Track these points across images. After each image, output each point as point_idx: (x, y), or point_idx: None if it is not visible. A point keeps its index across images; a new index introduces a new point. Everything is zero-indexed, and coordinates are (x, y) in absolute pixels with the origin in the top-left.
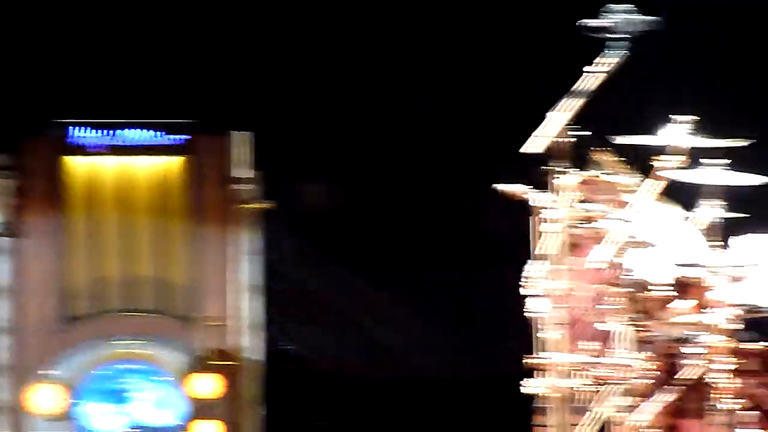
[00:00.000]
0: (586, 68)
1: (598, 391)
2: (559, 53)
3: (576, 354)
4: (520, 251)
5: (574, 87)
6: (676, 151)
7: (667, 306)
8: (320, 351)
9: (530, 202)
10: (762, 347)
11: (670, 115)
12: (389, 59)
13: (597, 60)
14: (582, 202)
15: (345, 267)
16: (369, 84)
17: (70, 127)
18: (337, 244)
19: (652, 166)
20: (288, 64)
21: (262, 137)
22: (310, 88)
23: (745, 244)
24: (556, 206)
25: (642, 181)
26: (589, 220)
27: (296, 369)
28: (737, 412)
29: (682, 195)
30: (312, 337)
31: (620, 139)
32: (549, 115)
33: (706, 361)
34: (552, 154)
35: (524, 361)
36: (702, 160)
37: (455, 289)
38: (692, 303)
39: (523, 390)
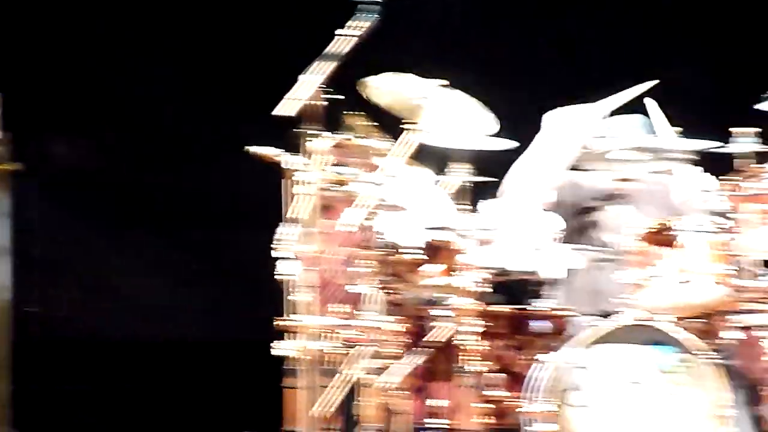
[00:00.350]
0: (338, 31)
1: (348, 353)
2: (312, 16)
3: (326, 316)
4: (272, 214)
5: (327, 50)
6: (428, 115)
7: (417, 269)
8: (71, 314)
9: (282, 165)
10: (509, 310)
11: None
12: (138, 18)
13: (349, 23)
14: (334, 165)
15: (97, 229)
16: (120, 43)
17: None
18: (88, 206)
19: (403, 129)
20: (35, 23)
21: (11, 97)
22: (59, 47)
23: (493, 208)
24: (307, 169)
25: (393, 145)
26: (341, 183)
27: (45, 333)
28: (485, 374)
29: (432, 159)
30: (63, 301)
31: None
32: (301, 77)
33: (455, 324)
34: (304, 116)
35: (275, 323)
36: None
37: (208, 251)
38: (441, 266)
39: (273, 352)
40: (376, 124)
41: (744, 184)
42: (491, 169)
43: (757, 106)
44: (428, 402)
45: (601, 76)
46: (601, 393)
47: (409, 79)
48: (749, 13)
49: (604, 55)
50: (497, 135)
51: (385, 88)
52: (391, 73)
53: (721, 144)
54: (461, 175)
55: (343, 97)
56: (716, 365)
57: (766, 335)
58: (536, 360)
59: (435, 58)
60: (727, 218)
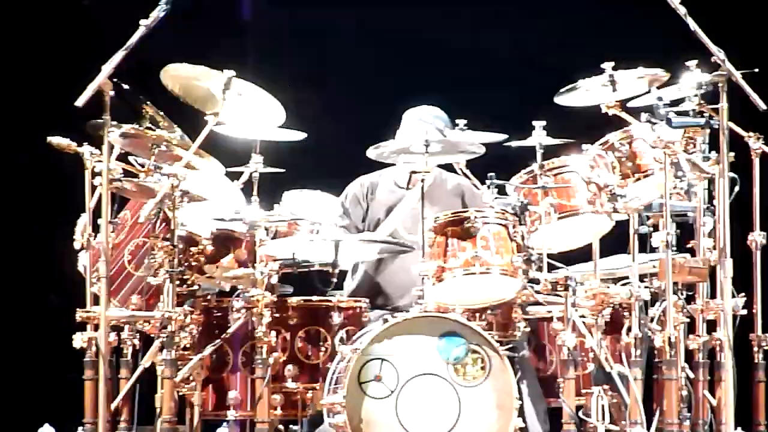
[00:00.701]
0: (141, 21)
1: (144, 344)
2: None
3: (123, 308)
4: (72, 205)
5: (129, 41)
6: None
7: (212, 260)
8: None
9: (81, 156)
10: (303, 301)
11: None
12: None
13: (152, 14)
14: (129, 155)
15: None
16: None
17: None
18: None
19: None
20: None
21: None
22: None
23: (290, 199)
24: (103, 159)
25: (186, 135)
26: (136, 174)
27: None
28: (279, 365)
29: (224, 149)
30: None
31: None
32: (103, 67)
33: (249, 315)
34: (102, 107)
35: (77, 315)
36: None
37: (5, 242)
38: (236, 257)
39: (74, 344)
40: (162, 114)
41: (541, 178)
42: (282, 159)
43: (556, 100)
44: (224, 393)
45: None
46: (394, 384)
47: (203, 69)
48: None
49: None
50: (286, 125)
51: (179, 78)
52: (186, 64)
53: (505, 138)
54: (252, 166)
55: (128, 86)
56: (506, 357)
57: (559, 328)
58: (332, 351)
59: (228, 49)
60: (523, 211)
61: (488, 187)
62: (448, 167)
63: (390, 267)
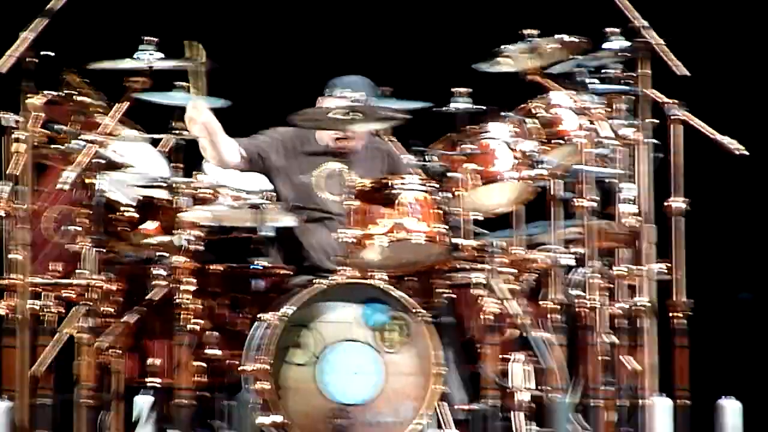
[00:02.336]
0: None
1: (64, 312)
2: None
3: (43, 275)
4: None
5: (48, 6)
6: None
7: (134, 227)
8: None
9: (2, 123)
10: (225, 268)
11: (142, 37)
12: None
13: None
14: (50, 122)
15: None
16: None
17: None
18: None
19: (124, 87)
20: None
21: None
22: None
23: (210, 166)
24: (22, 126)
25: (109, 102)
26: (57, 141)
27: None
28: (202, 332)
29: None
30: None
31: (94, 65)
32: (22, 34)
33: (171, 282)
34: (22, 73)
35: None
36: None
37: None
38: (158, 224)
39: None
40: (86, 81)
41: (463, 145)
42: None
43: (478, 67)
44: (145, 361)
45: None
46: (319, 350)
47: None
48: None
49: None
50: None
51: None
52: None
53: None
54: (176, 133)
55: (53, 53)
56: (428, 323)
57: (482, 293)
58: (254, 318)
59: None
60: (445, 177)
61: (411, 153)
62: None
63: (313, 232)
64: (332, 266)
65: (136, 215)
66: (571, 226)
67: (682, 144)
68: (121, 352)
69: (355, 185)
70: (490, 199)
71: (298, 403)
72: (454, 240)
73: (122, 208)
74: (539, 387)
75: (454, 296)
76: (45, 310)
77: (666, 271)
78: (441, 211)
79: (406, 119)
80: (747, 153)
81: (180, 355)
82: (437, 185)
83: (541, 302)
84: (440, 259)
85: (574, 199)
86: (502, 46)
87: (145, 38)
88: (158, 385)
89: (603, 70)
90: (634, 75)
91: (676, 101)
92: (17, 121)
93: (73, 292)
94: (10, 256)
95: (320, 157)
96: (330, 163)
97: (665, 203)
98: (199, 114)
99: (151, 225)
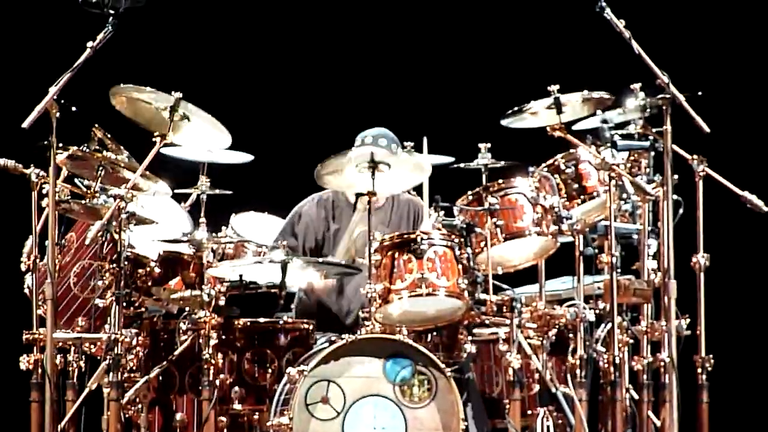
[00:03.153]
0: (89, 43)
1: (90, 367)
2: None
3: (70, 330)
4: (18, 227)
5: (75, 62)
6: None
7: (159, 282)
8: None
9: (28, 177)
10: (246, 323)
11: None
12: None
13: (98, 35)
14: (74, 177)
15: None
16: None
17: None
18: None
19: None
20: None
21: None
22: None
23: (237, 221)
24: (49, 181)
25: (132, 157)
26: (83, 196)
27: None
28: (226, 387)
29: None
30: None
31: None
32: (50, 89)
33: (195, 336)
34: (50, 128)
35: (23, 336)
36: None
37: None
38: (181, 279)
39: (20, 366)
40: (110, 135)
41: (489, 199)
42: (227, 181)
43: (502, 122)
44: (170, 415)
45: None
46: (341, 405)
47: (149, 90)
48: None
49: None
50: (232, 148)
51: (127, 98)
52: (132, 85)
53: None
54: (199, 187)
55: (75, 108)
56: (451, 378)
57: (504, 349)
58: (279, 373)
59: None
60: (469, 232)
61: (434, 209)
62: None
63: (339, 288)
64: (357, 321)
65: (162, 270)
66: (595, 282)
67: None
68: (146, 406)
69: (379, 240)
70: (513, 254)
71: None
72: (477, 295)
73: (148, 263)
74: None
75: (477, 351)
76: (71, 364)
77: (688, 326)
78: (464, 266)
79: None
80: (767, 209)
81: (205, 409)
82: (461, 240)
83: (564, 357)
84: (463, 313)
85: (598, 255)
86: (527, 102)
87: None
88: None
89: (627, 126)
90: (658, 131)
91: (699, 157)
92: (42, 176)
93: (98, 346)
94: (36, 311)
95: (349, 216)
96: (359, 226)
97: (691, 259)
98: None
99: (176, 280)
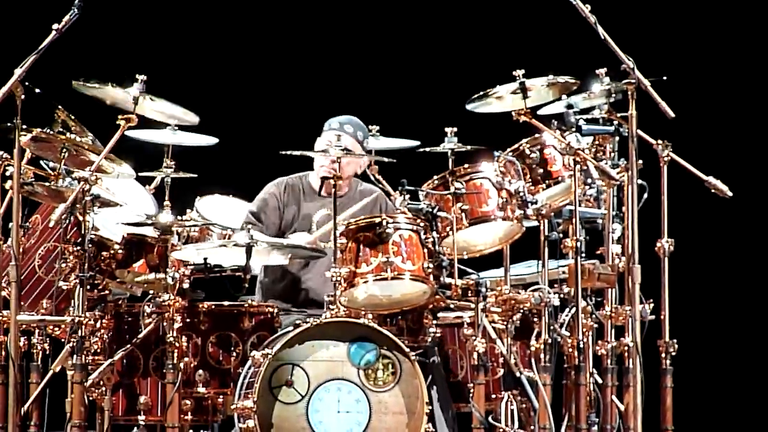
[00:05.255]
0: (54, 26)
1: (54, 349)
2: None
3: (34, 312)
4: None
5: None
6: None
7: (123, 265)
8: None
9: None
10: (210, 306)
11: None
12: None
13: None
14: (38, 159)
15: None
16: None
17: None
18: None
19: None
20: None
21: None
22: None
23: (202, 204)
24: (13, 163)
25: (95, 139)
26: (47, 178)
27: None
28: (190, 369)
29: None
30: None
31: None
32: (15, 71)
33: (159, 320)
34: (14, 110)
35: None
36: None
37: None
38: (145, 261)
39: None
40: (74, 118)
41: (455, 184)
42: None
43: (468, 107)
44: (134, 398)
45: None
46: (305, 389)
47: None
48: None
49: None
50: (198, 130)
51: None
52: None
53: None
54: (164, 170)
55: (39, 90)
56: (416, 362)
57: (469, 333)
58: (243, 356)
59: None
60: (435, 217)
61: (400, 193)
62: (362, 176)
63: (303, 272)
64: (322, 305)
65: (126, 253)
66: (559, 266)
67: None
68: (110, 389)
69: (345, 225)
70: (478, 238)
71: None
72: (442, 279)
73: (112, 246)
74: (526, 426)
75: (442, 335)
76: (35, 347)
77: (652, 311)
78: (430, 250)
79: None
80: (731, 194)
81: (169, 392)
82: (426, 225)
83: (528, 342)
84: (428, 298)
85: (563, 240)
86: (493, 87)
87: (139, 77)
88: (147, 423)
89: (592, 111)
90: (623, 116)
91: (664, 142)
92: (6, 158)
93: (62, 329)
94: (3, 293)
95: (314, 202)
96: (323, 209)
97: (656, 244)
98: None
99: (140, 263)
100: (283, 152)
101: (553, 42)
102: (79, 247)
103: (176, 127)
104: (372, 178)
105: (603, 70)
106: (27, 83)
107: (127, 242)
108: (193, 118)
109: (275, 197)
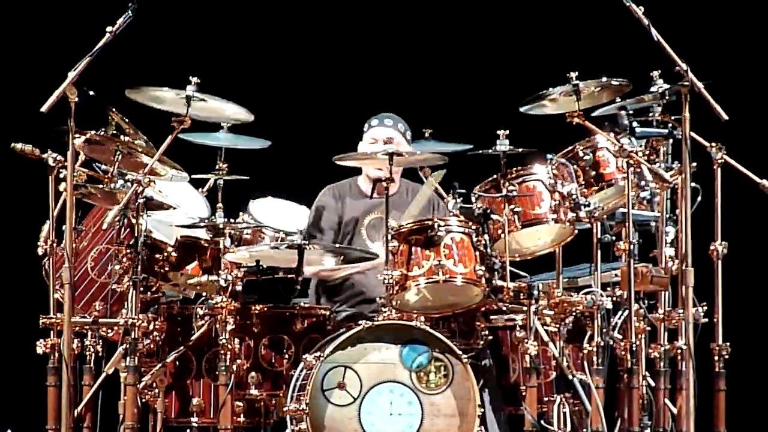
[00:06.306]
0: (108, 28)
1: (107, 351)
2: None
3: (87, 314)
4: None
5: (95, 48)
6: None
7: (176, 267)
8: None
9: (45, 162)
10: (263, 308)
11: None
12: None
13: (118, 20)
14: (93, 161)
15: None
16: None
17: None
18: None
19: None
20: None
21: None
22: None
23: (255, 207)
24: (67, 165)
25: (150, 143)
26: (100, 180)
27: None
28: (243, 372)
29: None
30: None
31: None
32: (69, 73)
33: (212, 322)
34: (68, 113)
35: (40, 321)
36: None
37: None
38: (198, 264)
39: (37, 351)
40: (127, 120)
41: (507, 186)
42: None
43: (521, 109)
44: (186, 400)
45: None
46: (357, 391)
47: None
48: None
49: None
50: (251, 132)
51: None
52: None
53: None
54: (216, 173)
55: (93, 93)
56: (468, 365)
57: (522, 335)
58: (296, 359)
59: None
60: (487, 219)
61: (452, 195)
62: (412, 177)
63: (358, 274)
64: (375, 307)
65: (179, 255)
66: (612, 269)
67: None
68: (162, 391)
69: (397, 228)
70: (530, 241)
71: None
72: (494, 282)
73: (165, 248)
74: (578, 429)
75: (494, 338)
76: (88, 349)
77: (705, 314)
78: (481, 253)
79: (445, 161)
80: None
81: (221, 394)
82: (478, 227)
83: (581, 345)
84: (480, 300)
85: (615, 242)
86: (546, 89)
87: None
88: (199, 425)
89: (645, 114)
90: (676, 118)
91: (718, 145)
92: (60, 161)
93: (115, 331)
94: (53, 295)
95: (365, 205)
96: (374, 213)
97: (709, 247)
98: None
99: (193, 265)
100: (337, 160)
101: (607, 44)
102: (132, 250)
103: (229, 127)
104: (425, 179)
105: (657, 73)
106: (81, 86)
107: (180, 244)
108: (247, 116)
109: (327, 206)
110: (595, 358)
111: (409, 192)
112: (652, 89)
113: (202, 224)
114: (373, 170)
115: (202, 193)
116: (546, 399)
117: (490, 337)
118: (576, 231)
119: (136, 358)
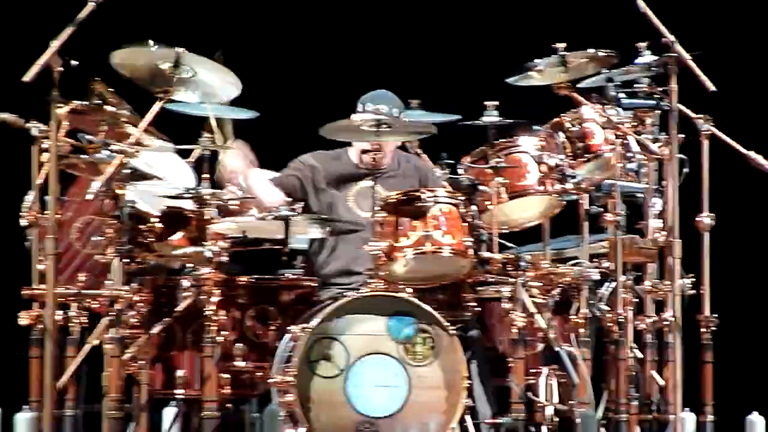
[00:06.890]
0: None
1: (90, 323)
2: None
3: (71, 285)
4: (19, 182)
5: (78, 16)
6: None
7: (161, 238)
8: None
9: (29, 132)
10: (249, 280)
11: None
12: None
13: None
14: (76, 132)
15: None
16: None
17: None
18: None
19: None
20: None
21: None
22: None
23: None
24: (50, 136)
25: (134, 112)
26: (85, 150)
27: None
28: (228, 344)
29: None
30: None
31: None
32: (52, 43)
33: (197, 293)
34: (51, 83)
35: (21, 292)
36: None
37: None
38: (183, 235)
39: (19, 322)
40: (112, 90)
41: (494, 157)
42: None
43: (508, 80)
44: (171, 372)
45: None
46: (344, 363)
47: (152, 47)
48: None
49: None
50: (240, 102)
51: (129, 59)
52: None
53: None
54: (204, 143)
55: (79, 62)
56: (455, 336)
57: (509, 306)
58: (281, 330)
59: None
60: (473, 191)
61: (439, 166)
62: (403, 147)
63: (342, 245)
64: (361, 278)
65: (164, 226)
66: (599, 240)
67: (709, 159)
68: (147, 363)
69: (384, 199)
70: (518, 212)
71: (325, 415)
72: (481, 253)
73: (150, 219)
74: (565, 401)
75: (481, 310)
76: (72, 321)
77: (692, 286)
78: (469, 225)
79: (433, 132)
80: None
81: (207, 366)
82: (465, 198)
83: (568, 316)
84: (467, 272)
85: (603, 214)
86: (533, 60)
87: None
88: (184, 397)
89: (632, 85)
90: (664, 90)
91: (705, 116)
92: (43, 131)
93: (100, 303)
94: (39, 266)
95: (353, 175)
96: (363, 182)
97: (696, 219)
98: (238, 163)
99: (177, 236)
100: (324, 134)
101: (594, 16)
102: (116, 220)
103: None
104: (413, 152)
105: (644, 44)
106: (64, 56)
107: (165, 215)
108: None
109: (310, 169)
110: (581, 330)
111: (401, 162)
112: (639, 61)
113: (188, 195)
114: (363, 146)
115: (189, 163)
116: (533, 371)
117: (478, 309)
118: (563, 203)
119: (121, 329)
